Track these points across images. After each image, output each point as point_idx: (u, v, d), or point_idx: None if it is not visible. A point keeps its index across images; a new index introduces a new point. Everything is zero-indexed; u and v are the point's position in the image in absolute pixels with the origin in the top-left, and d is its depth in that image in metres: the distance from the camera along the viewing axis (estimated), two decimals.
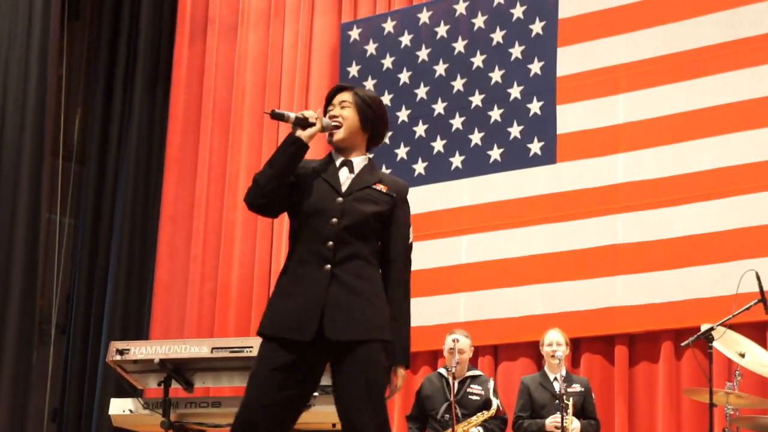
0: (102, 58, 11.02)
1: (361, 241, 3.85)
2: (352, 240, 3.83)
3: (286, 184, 3.91)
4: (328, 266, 3.81)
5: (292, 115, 3.95)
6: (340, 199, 3.89)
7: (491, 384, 7.16)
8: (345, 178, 3.96)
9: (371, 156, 4.07)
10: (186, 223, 10.25)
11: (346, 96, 4.02)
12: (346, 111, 3.99)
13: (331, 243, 3.82)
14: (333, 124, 3.99)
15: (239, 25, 10.42)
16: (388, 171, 8.93)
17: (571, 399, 6.90)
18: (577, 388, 7.09)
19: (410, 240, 3.99)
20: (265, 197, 3.90)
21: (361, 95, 4.02)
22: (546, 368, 7.26)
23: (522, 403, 7.20)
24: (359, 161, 4.00)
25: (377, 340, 3.77)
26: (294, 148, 3.90)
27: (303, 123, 3.93)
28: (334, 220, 3.85)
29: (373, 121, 4.02)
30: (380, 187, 3.95)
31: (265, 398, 3.78)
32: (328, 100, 4.06)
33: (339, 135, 3.99)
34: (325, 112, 4.05)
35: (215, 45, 10.51)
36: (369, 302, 3.80)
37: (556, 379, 7.10)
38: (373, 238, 3.91)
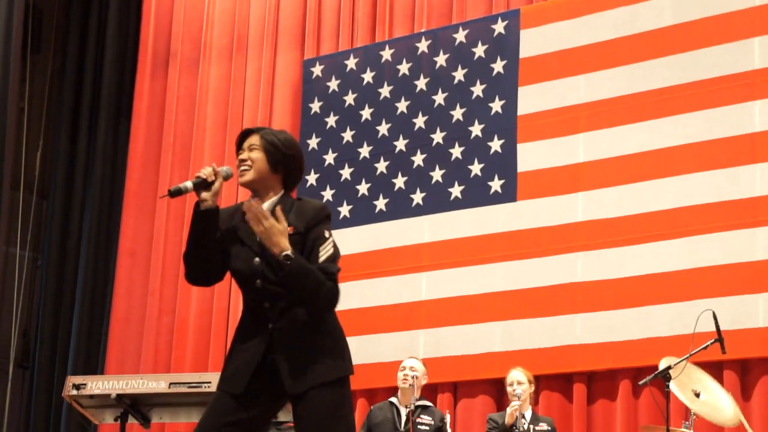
0: (65, 90, 10.99)
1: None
2: (283, 293, 3.80)
3: (213, 253, 3.88)
4: (270, 325, 3.81)
5: (189, 183, 3.86)
6: (257, 259, 3.83)
7: (447, 419, 7.15)
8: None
9: (282, 193, 3.95)
10: (144, 256, 10.20)
11: (253, 139, 3.94)
12: (254, 153, 3.91)
13: (267, 304, 3.81)
14: (241, 167, 3.90)
15: (201, 59, 10.43)
16: (349, 207, 8.96)
17: None
18: (544, 426, 7.09)
19: (325, 257, 3.80)
20: (199, 273, 3.93)
21: (268, 138, 3.93)
22: None
23: None
24: (270, 204, 3.90)
25: (328, 383, 3.76)
26: (201, 221, 3.85)
27: (203, 185, 3.85)
28: (258, 281, 3.82)
29: (283, 161, 3.93)
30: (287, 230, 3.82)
31: (221, 418, 3.80)
32: (238, 145, 3.99)
33: (246, 177, 3.91)
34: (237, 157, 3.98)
35: (177, 79, 10.50)
36: (315, 347, 3.78)
37: (523, 417, 7.08)
38: None
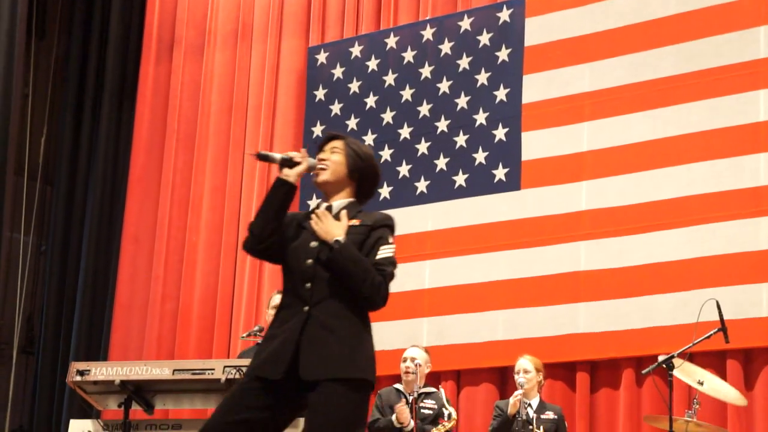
0: (69, 76, 10.99)
1: (338, 281, 3.85)
2: (330, 280, 3.85)
3: (281, 227, 3.96)
4: (306, 308, 3.84)
5: (278, 156, 4.00)
6: (315, 243, 3.91)
7: (442, 393, 7.16)
8: None
9: (353, 200, 4.04)
10: (148, 243, 10.20)
11: (337, 143, 4.06)
12: (335, 156, 4.03)
13: (308, 285, 3.86)
14: (319, 166, 4.01)
15: (206, 46, 10.42)
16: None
17: (542, 426, 6.92)
18: (550, 415, 7.08)
19: (383, 256, 3.91)
20: (262, 242, 3.96)
21: (353, 145, 4.06)
22: None
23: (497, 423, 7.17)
24: (338, 204, 4.00)
25: (346, 380, 3.75)
26: (283, 189, 3.95)
27: (289, 163, 3.97)
28: (310, 261, 3.88)
29: (362, 170, 4.04)
30: (354, 222, 3.95)
31: (230, 415, 3.79)
32: (320, 148, 4.10)
33: (323, 176, 4.01)
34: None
35: (181, 65, 10.49)
36: (342, 340, 3.79)
37: (530, 405, 7.08)
38: None
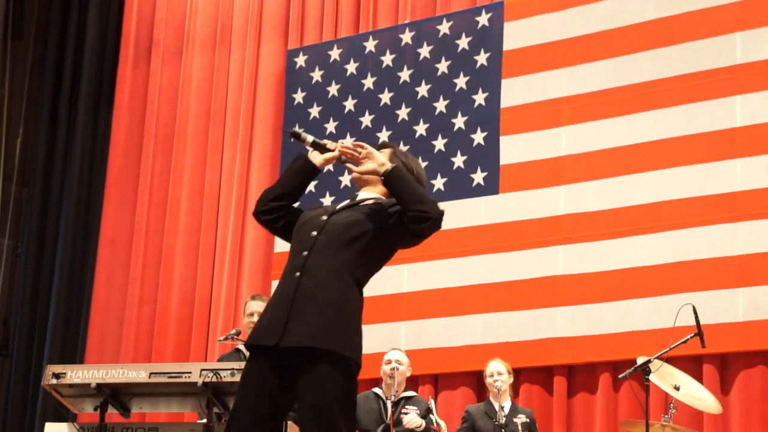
0: (46, 78, 10.94)
1: (337, 254, 3.85)
2: (329, 252, 3.86)
3: (290, 199, 4.04)
4: (298, 273, 3.84)
5: (310, 137, 4.04)
6: (325, 217, 3.96)
7: (433, 405, 7.16)
8: (342, 205, 4.04)
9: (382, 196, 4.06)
10: (125, 246, 10.17)
11: (385, 150, 4.12)
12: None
13: (305, 253, 3.87)
14: (362, 162, 4.01)
15: (184, 49, 10.39)
16: (331, 198, 8.97)
17: (519, 427, 6.94)
18: (522, 418, 7.11)
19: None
20: (265, 205, 4.04)
21: (401, 155, 4.12)
22: (491, 398, 7.27)
23: (464, 429, 7.21)
24: (364, 195, 4.04)
25: (332, 356, 3.73)
26: (299, 162, 4.03)
27: (320, 147, 4.02)
28: (314, 233, 3.91)
29: None
30: (369, 201, 4.00)
31: (260, 411, 3.79)
32: None
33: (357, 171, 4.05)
34: None
35: (159, 68, 10.46)
36: (325, 312, 3.77)
37: (502, 408, 7.10)
38: (353, 251, 3.88)
